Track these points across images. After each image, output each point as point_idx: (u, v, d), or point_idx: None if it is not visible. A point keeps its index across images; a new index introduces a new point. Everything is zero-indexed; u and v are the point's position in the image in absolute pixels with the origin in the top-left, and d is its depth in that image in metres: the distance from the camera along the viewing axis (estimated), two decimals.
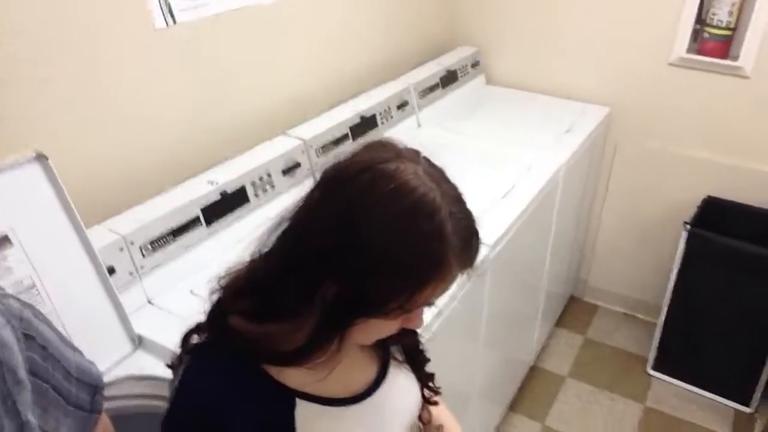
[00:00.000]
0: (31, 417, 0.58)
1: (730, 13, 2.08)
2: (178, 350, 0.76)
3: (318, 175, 0.70)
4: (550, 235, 2.14)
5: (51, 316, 1.07)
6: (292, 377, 0.71)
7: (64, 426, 0.66)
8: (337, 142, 1.77)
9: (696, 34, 2.19)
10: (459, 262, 0.67)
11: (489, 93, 2.54)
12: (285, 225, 0.69)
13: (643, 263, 2.65)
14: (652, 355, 2.48)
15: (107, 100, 1.34)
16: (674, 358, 2.44)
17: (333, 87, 1.98)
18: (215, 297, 0.74)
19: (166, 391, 1.18)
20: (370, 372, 0.81)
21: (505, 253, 1.63)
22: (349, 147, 1.58)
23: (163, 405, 1.17)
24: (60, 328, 1.08)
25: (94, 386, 0.74)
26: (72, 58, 1.24)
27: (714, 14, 2.11)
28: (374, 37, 2.15)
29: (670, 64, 2.25)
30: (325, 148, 1.72)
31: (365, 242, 0.62)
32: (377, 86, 2.07)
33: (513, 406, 2.34)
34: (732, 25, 2.11)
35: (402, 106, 2.05)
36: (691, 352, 2.40)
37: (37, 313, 0.67)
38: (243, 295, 0.71)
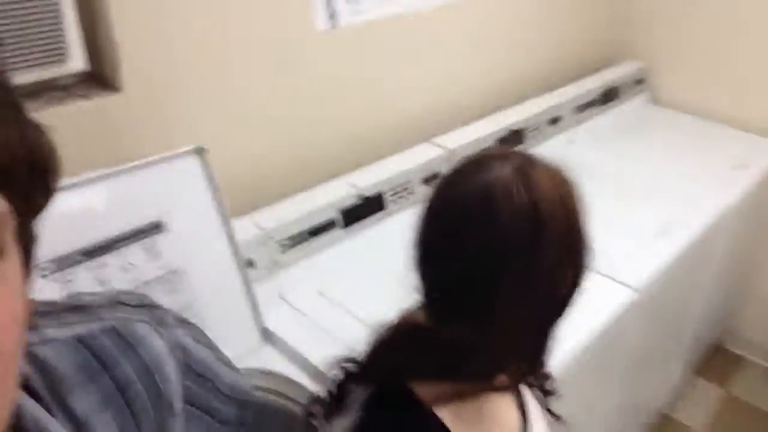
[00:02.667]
0: None
1: None
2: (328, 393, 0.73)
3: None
4: (705, 279, 1.94)
5: (189, 302, 1.14)
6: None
7: None
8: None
9: None
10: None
11: (653, 114, 2.34)
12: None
13: None
14: None
15: (263, 99, 1.38)
16: None
17: (484, 97, 1.92)
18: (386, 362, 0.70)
19: (284, 388, 1.21)
20: (515, 415, 0.76)
21: (652, 298, 1.49)
22: None
23: (281, 401, 1.20)
24: (195, 314, 1.14)
25: (243, 401, 0.76)
26: (232, 59, 1.29)
27: None
28: (532, 47, 2.06)
29: None
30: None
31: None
32: (531, 98, 1.98)
33: None
34: None
35: (554, 121, 1.94)
36: None
37: (198, 336, 0.69)
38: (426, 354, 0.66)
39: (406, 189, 1.53)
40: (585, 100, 2.08)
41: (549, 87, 2.09)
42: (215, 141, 1.22)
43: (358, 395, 0.68)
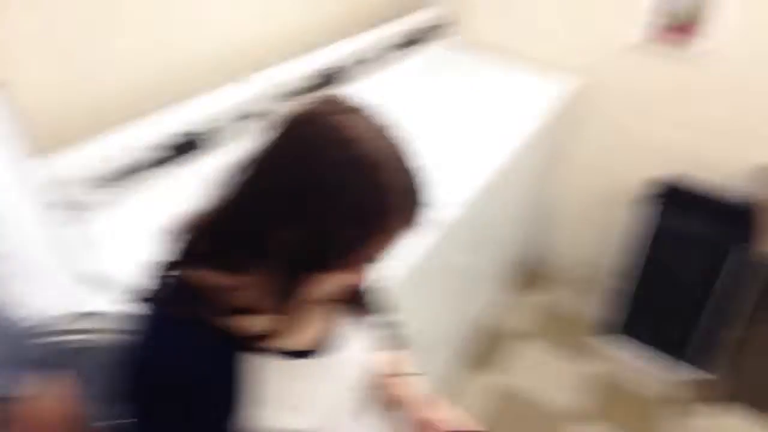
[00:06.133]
0: None
1: None
2: (151, 287, 0.76)
3: (274, 125, 0.72)
4: (513, 201, 2.19)
5: None
6: (245, 332, 0.73)
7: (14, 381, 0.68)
8: (294, 95, 1.77)
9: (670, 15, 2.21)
10: (400, 215, 0.70)
11: (459, 55, 2.52)
12: (244, 171, 0.71)
13: (602, 234, 2.72)
14: (605, 319, 2.59)
15: (76, 29, 1.30)
16: (626, 323, 2.55)
17: (293, 39, 1.95)
18: (175, 244, 0.75)
19: (106, 324, 1.20)
20: (328, 328, 0.84)
21: (469, 217, 1.68)
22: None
23: (102, 338, 1.19)
24: None
25: (43, 333, 0.75)
26: None
27: None
28: None
29: (645, 42, 2.28)
30: (278, 99, 1.73)
31: (313, 189, 0.66)
32: (339, 42, 2.03)
33: (469, 362, 2.42)
34: (703, 8, 2.12)
35: (363, 63, 2.04)
36: (642, 319, 2.51)
37: None
38: (204, 242, 0.73)
39: (221, 130, 1.54)
40: (394, 42, 2.20)
41: (358, 30, 2.16)
42: (15, 75, 1.13)
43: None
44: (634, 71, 2.38)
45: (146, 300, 0.75)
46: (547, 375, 2.46)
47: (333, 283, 0.74)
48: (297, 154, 0.67)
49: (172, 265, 0.75)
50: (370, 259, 0.73)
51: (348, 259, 0.70)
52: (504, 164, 1.84)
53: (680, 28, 2.22)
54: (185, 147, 1.46)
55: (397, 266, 1.35)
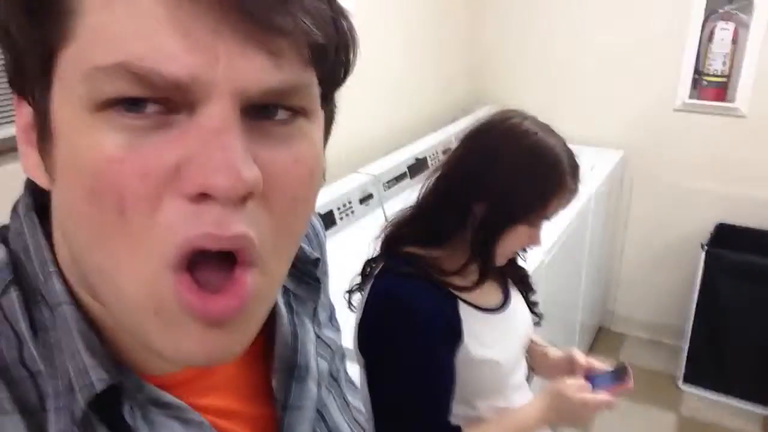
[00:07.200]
0: None
1: (724, 63, 2.43)
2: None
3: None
4: (582, 266, 2.39)
5: None
6: (453, 286, 0.98)
7: None
8: (399, 178, 2.08)
9: (695, 82, 2.53)
10: (572, 182, 0.97)
11: None
12: (438, 173, 0.99)
13: (665, 289, 2.88)
14: (681, 370, 2.66)
15: None
16: (702, 370, 2.62)
17: (388, 135, 2.32)
18: (385, 234, 1.01)
19: None
20: (499, 294, 1.08)
21: (545, 276, 1.84)
22: (407, 182, 1.91)
23: None
24: None
25: None
26: None
27: (710, 65, 2.46)
28: (416, 98, 2.51)
29: (675, 110, 2.59)
30: (389, 182, 2.04)
31: (505, 169, 0.93)
32: (422, 137, 2.42)
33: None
34: (726, 73, 2.44)
35: (445, 151, 2.36)
36: (717, 363, 2.58)
37: None
38: (411, 227, 1.00)
39: (348, 209, 1.84)
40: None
41: (433, 128, 2.55)
42: None
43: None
44: (673, 132, 2.65)
45: (377, 276, 0.99)
46: (630, 424, 2.53)
47: (516, 239, 0.98)
48: (490, 146, 0.96)
49: (393, 246, 1.01)
50: (545, 217, 0.98)
51: (529, 216, 0.95)
52: (566, 231, 2.04)
53: (713, 90, 2.50)
54: (325, 223, 1.74)
55: None
